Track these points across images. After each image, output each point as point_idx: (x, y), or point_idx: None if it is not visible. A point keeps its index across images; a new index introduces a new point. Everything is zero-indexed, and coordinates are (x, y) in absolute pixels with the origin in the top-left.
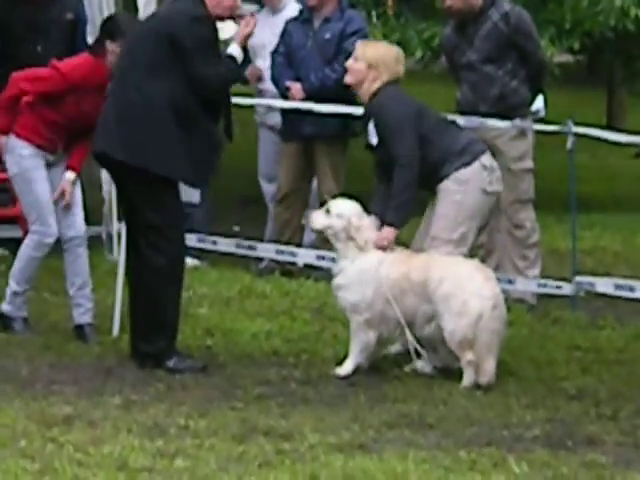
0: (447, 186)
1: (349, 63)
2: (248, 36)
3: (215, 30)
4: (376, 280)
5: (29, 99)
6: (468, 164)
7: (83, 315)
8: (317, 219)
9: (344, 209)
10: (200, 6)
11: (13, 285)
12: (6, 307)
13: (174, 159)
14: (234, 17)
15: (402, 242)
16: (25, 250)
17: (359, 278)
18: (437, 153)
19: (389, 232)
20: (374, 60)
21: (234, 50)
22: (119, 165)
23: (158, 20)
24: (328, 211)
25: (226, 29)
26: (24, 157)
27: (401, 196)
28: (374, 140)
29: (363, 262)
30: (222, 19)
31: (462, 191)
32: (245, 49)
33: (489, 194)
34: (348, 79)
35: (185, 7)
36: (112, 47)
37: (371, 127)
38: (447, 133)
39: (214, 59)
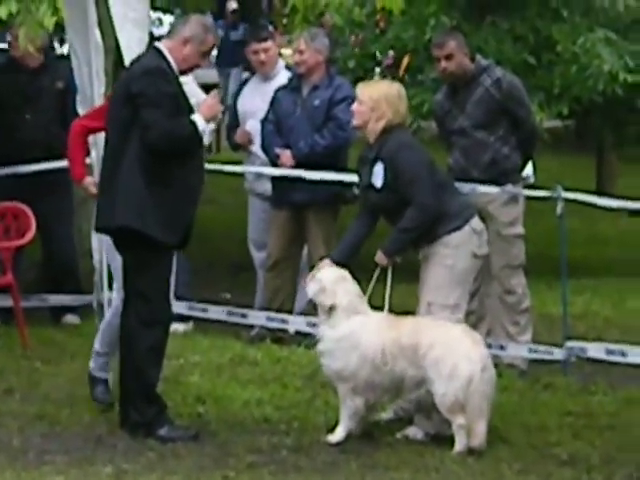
0: (438, 250)
1: (354, 106)
2: (215, 116)
3: (172, 83)
4: (359, 347)
5: None
6: (459, 228)
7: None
8: (309, 285)
9: (323, 274)
10: (157, 59)
11: (96, 344)
12: (92, 364)
13: (143, 215)
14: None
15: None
16: (108, 314)
17: (340, 345)
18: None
19: (382, 258)
20: (375, 99)
21: (198, 119)
22: (106, 233)
23: (122, 80)
24: (314, 276)
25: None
26: None
27: (404, 234)
28: (378, 183)
29: (343, 328)
30: (186, 73)
31: (453, 255)
32: (236, 114)
33: (478, 257)
34: (354, 122)
35: (142, 62)
36: None
37: (378, 169)
38: (448, 193)
39: (166, 111)
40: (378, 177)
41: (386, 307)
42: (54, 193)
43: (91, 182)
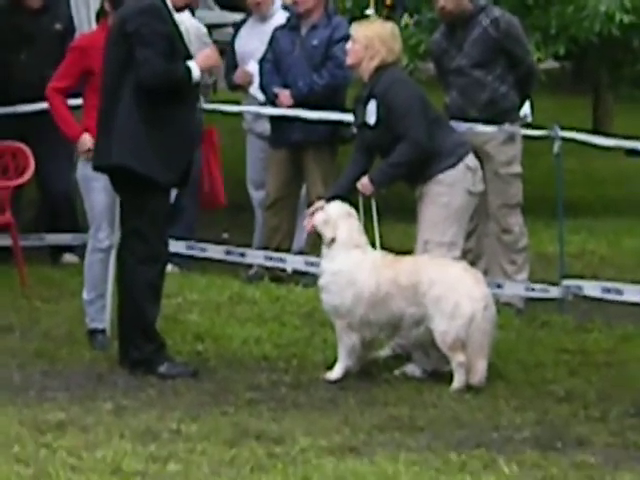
0: (433, 188)
1: (348, 45)
2: (209, 68)
3: (167, 22)
4: (355, 284)
5: (86, 103)
6: (453, 166)
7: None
8: (316, 216)
9: (331, 206)
10: None
11: (84, 293)
12: (87, 318)
13: (139, 154)
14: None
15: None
16: (86, 255)
17: (336, 280)
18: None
19: (367, 185)
20: (370, 38)
21: (193, 66)
22: (103, 171)
23: (117, 20)
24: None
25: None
26: (85, 164)
27: (394, 168)
28: (372, 120)
29: (340, 261)
30: (182, 10)
31: (448, 193)
32: (233, 55)
33: (473, 195)
34: (348, 61)
35: (136, 1)
36: (110, 9)
37: (371, 106)
38: (441, 130)
39: (159, 50)
40: (371, 114)
41: (377, 244)
42: (51, 132)
43: (88, 138)
